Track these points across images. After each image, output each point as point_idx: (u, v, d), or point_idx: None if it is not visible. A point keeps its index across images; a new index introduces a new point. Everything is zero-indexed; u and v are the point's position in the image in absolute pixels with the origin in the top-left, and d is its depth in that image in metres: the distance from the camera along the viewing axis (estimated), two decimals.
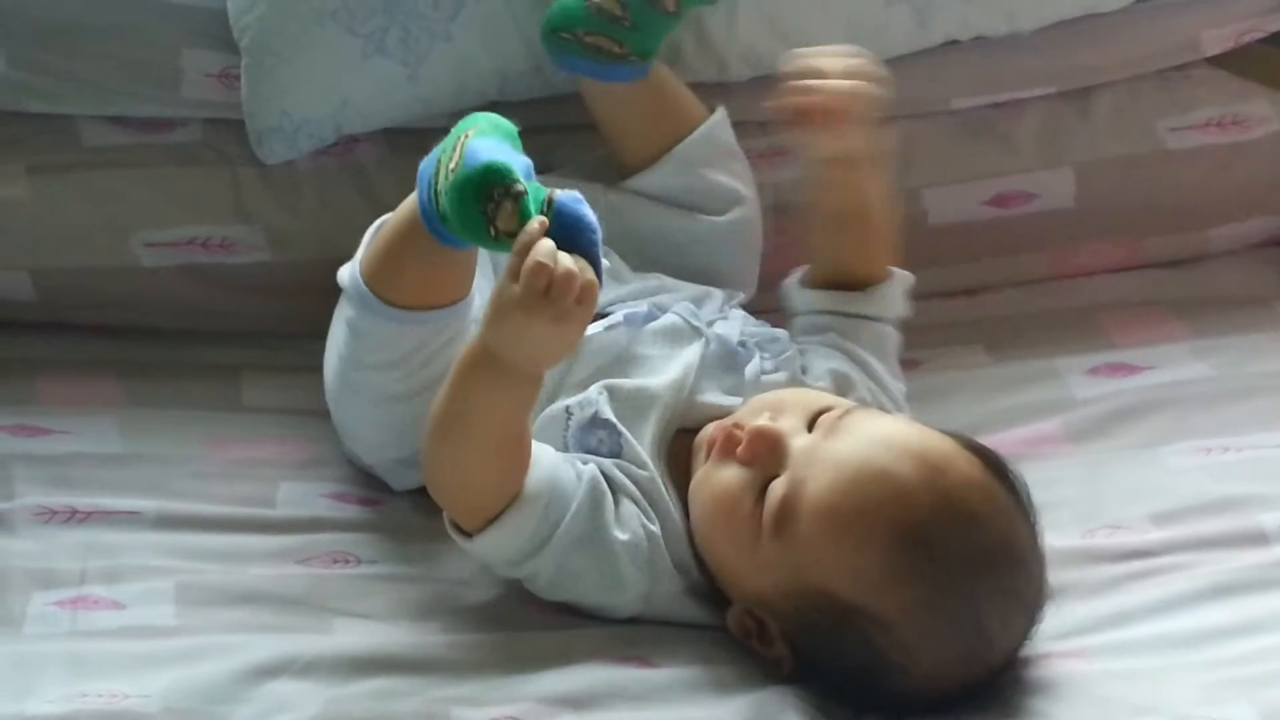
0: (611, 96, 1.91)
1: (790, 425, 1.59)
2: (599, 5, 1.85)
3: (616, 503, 1.63)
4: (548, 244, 1.50)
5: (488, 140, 1.59)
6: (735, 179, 1.93)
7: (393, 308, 1.69)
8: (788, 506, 1.54)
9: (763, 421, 1.59)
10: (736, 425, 1.60)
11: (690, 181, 1.90)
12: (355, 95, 1.95)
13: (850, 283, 1.81)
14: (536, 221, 1.51)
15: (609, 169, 1.94)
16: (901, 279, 1.82)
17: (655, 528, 1.62)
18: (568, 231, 1.52)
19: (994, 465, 1.58)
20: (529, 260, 1.49)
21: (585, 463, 1.64)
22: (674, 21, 1.89)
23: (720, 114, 1.93)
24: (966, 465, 1.56)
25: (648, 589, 1.61)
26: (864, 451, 1.55)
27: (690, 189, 1.90)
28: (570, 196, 1.54)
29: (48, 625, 1.59)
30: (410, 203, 1.67)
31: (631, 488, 1.63)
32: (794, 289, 1.84)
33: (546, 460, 1.62)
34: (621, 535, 1.61)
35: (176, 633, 1.59)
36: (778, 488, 1.55)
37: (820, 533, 1.53)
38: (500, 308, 1.52)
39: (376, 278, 1.70)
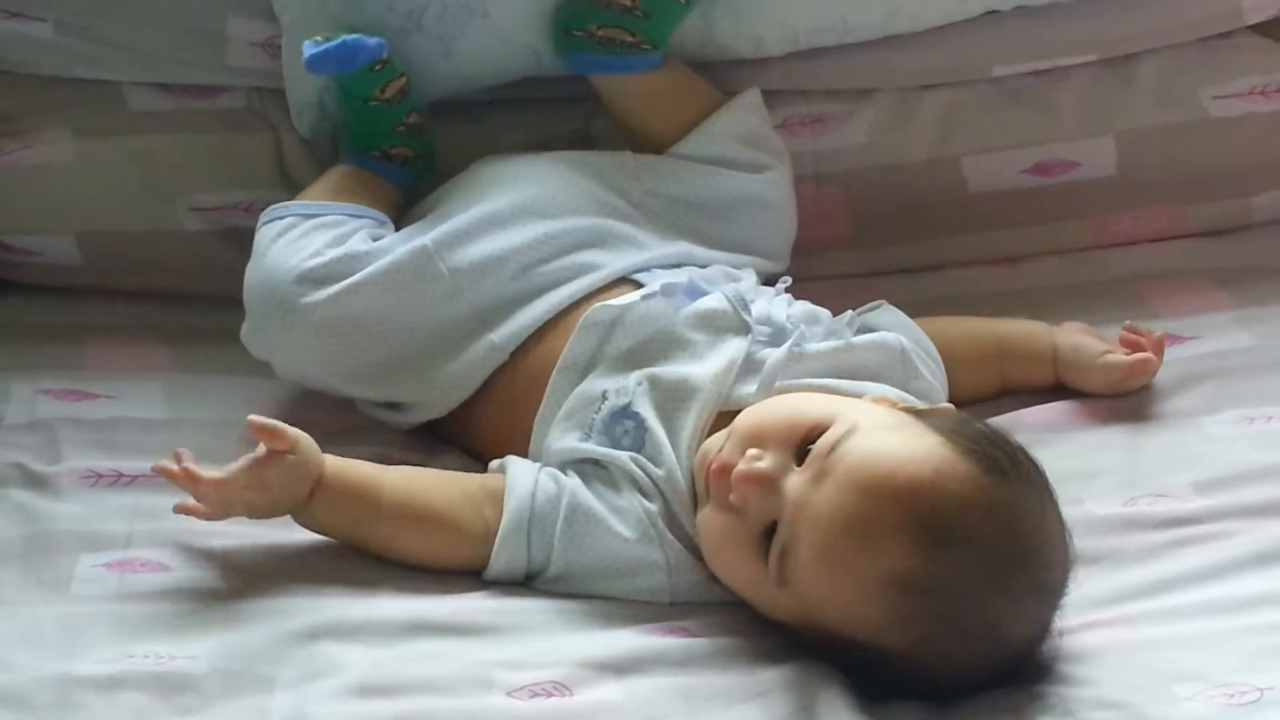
0: (629, 89, 1.90)
1: (776, 463, 1.55)
2: (608, 1, 1.85)
3: (618, 494, 1.63)
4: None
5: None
6: (767, 150, 1.92)
7: None
8: (786, 562, 1.53)
9: (746, 467, 1.56)
10: (723, 468, 1.57)
11: (722, 150, 1.90)
12: None
13: None
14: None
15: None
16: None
17: (654, 506, 1.62)
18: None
19: (992, 460, 1.53)
20: None
21: (568, 472, 1.65)
22: (684, 10, 1.89)
23: (753, 93, 1.92)
24: (957, 485, 1.51)
25: (667, 577, 1.61)
26: (849, 504, 1.51)
27: (722, 157, 1.90)
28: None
29: (95, 586, 1.60)
30: None
31: (644, 479, 1.63)
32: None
33: (521, 488, 1.63)
34: (622, 530, 1.61)
35: (222, 595, 1.60)
36: (776, 544, 1.54)
37: (819, 588, 1.52)
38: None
39: None
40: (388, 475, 1.65)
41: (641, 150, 1.91)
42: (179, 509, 1.62)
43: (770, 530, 1.55)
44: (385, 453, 1.79)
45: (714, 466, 1.58)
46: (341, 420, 1.83)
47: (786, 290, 1.79)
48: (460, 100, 1.98)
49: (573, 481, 1.64)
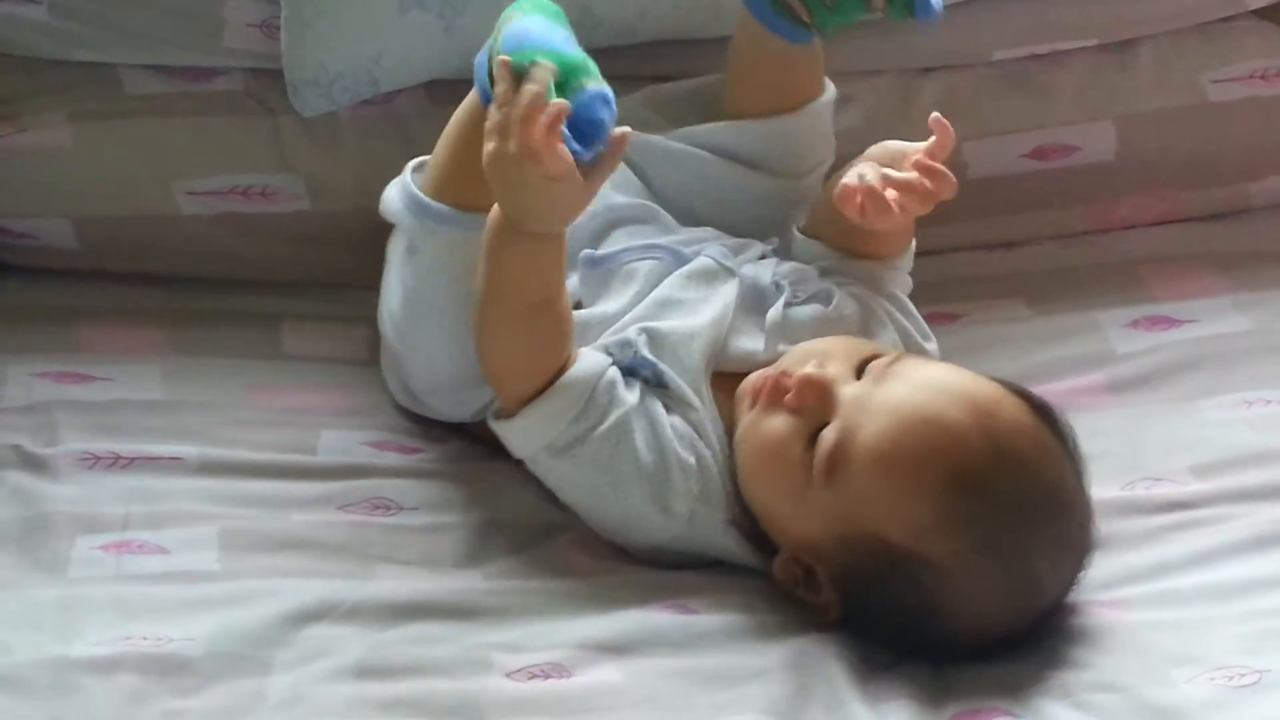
0: (764, 45, 1.83)
1: (838, 372, 1.60)
2: None
3: (670, 414, 1.64)
4: (522, 95, 1.53)
5: (526, 20, 1.59)
6: (821, 149, 1.89)
7: (461, 211, 1.69)
8: (839, 453, 1.55)
9: (811, 369, 1.59)
10: (784, 373, 1.60)
11: (778, 147, 1.86)
12: (392, 48, 1.95)
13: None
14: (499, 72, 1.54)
15: (698, 102, 1.89)
16: (910, 254, 1.82)
17: (705, 449, 1.63)
18: (579, 124, 1.53)
19: (1042, 411, 1.59)
20: (495, 118, 1.54)
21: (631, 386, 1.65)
22: (865, 15, 1.81)
23: (830, 94, 1.88)
24: (1016, 410, 1.56)
25: (693, 506, 1.62)
26: (916, 397, 1.55)
27: (771, 153, 1.86)
28: (592, 96, 1.54)
29: (92, 569, 1.60)
30: (468, 101, 1.69)
31: (684, 410, 1.64)
32: (798, 239, 1.81)
33: (597, 356, 1.64)
34: (676, 444, 1.62)
35: (220, 577, 1.60)
36: (829, 435, 1.56)
37: (872, 479, 1.53)
38: (490, 168, 1.56)
39: (443, 186, 1.70)
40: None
41: (727, 91, 1.86)
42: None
43: (819, 434, 1.57)
44: (383, 438, 1.79)
45: (774, 373, 1.61)
46: (339, 403, 1.83)
47: (773, 254, 1.79)
48: (462, 79, 1.97)
49: (640, 384, 1.65)
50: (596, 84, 1.56)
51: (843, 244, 1.78)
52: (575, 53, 1.58)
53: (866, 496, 1.54)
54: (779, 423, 1.59)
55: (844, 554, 1.55)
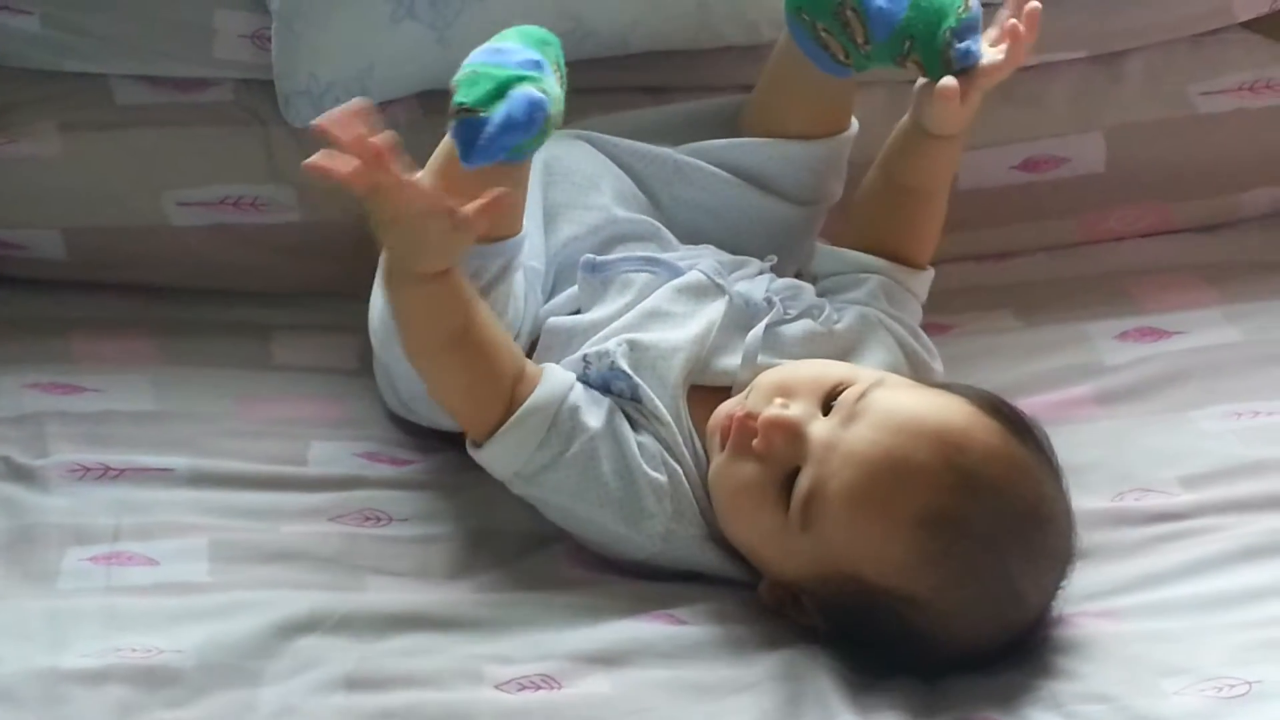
0: (802, 70, 1.84)
1: (803, 410, 1.58)
2: (847, 21, 1.78)
3: (638, 431, 1.64)
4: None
5: (482, 50, 1.63)
6: (834, 182, 1.89)
7: None
8: (813, 502, 1.54)
9: (775, 412, 1.58)
10: (749, 415, 1.59)
11: (796, 172, 1.87)
12: (384, 59, 1.95)
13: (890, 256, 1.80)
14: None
15: (713, 124, 1.90)
16: (929, 275, 1.82)
17: (676, 465, 1.63)
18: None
19: (1014, 424, 1.58)
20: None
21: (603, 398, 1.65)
22: (897, 67, 1.82)
23: (853, 130, 1.88)
24: (985, 435, 1.55)
25: (668, 526, 1.62)
26: (883, 441, 1.54)
27: (787, 176, 1.87)
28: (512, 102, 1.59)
29: (82, 580, 1.60)
30: (445, 140, 1.69)
31: (655, 426, 1.64)
32: (826, 251, 1.83)
33: (561, 377, 1.64)
34: (644, 464, 1.62)
35: (210, 589, 1.60)
36: (803, 483, 1.55)
37: (847, 525, 1.53)
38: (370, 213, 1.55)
39: None
40: (481, 306, 1.62)
41: (752, 106, 1.87)
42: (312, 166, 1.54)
43: (792, 477, 1.56)
44: (374, 449, 1.79)
45: (739, 414, 1.59)
46: (329, 414, 1.83)
47: (770, 269, 1.79)
48: (448, 91, 1.97)
49: (608, 399, 1.65)
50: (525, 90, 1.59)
51: (883, 243, 1.79)
52: (510, 69, 1.61)
53: (842, 540, 1.53)
54: (749, 470, 1.58)
55: (825, 591, 1.55)
